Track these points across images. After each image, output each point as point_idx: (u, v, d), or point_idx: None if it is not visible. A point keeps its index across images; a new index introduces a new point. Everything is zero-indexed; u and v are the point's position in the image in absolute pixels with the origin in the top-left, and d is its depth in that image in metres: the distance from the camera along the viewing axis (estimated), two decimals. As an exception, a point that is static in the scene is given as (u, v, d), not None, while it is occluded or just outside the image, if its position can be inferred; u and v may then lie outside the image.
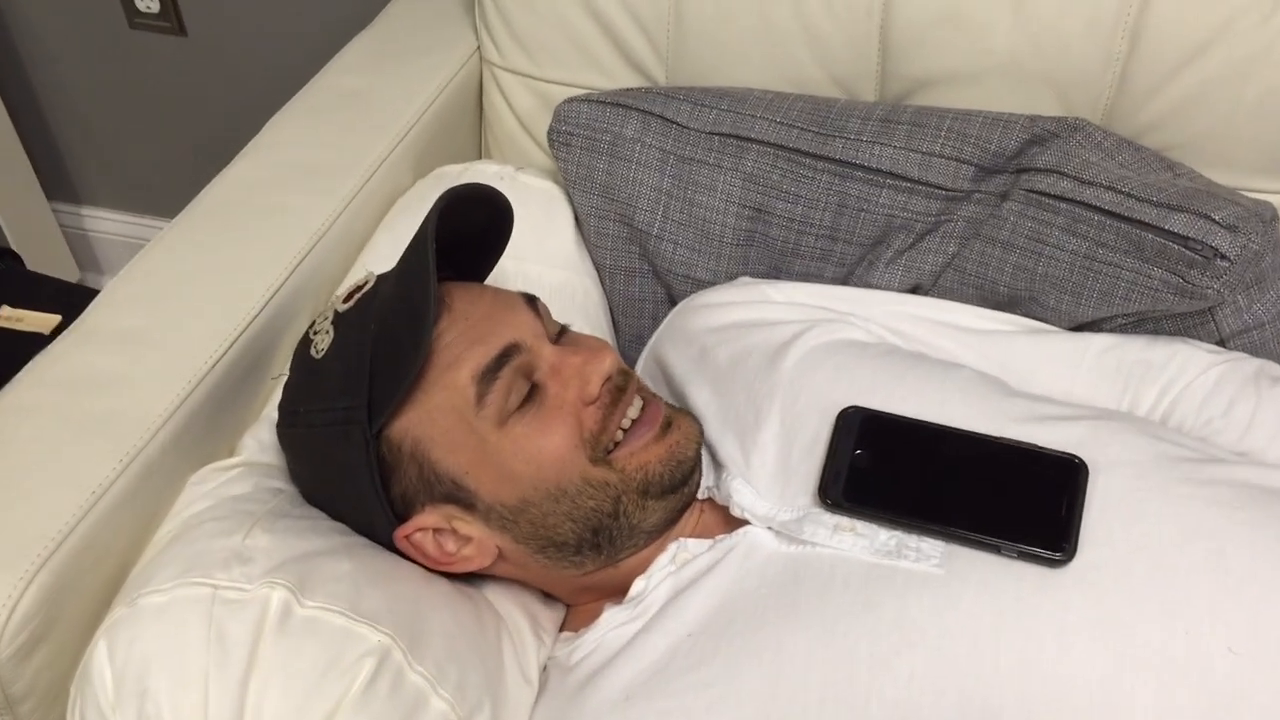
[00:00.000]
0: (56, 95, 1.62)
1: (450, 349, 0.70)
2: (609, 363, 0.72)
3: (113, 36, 1.52)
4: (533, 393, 0.71)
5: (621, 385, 0.73)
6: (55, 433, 0.72)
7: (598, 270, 0.95)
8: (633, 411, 0.73)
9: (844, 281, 0.92)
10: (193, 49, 1.49)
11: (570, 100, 0.94)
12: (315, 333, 0.75)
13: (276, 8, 1.41)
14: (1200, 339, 0.84)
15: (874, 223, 0.89)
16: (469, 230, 0.78)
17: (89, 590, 0.67)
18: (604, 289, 0.95)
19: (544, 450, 0.70)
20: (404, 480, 0.72)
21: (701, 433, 0.78)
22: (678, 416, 0.76)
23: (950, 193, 0.88)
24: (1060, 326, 0.87)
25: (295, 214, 0.89)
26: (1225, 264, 0.76)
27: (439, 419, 0.70)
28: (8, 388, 0.75)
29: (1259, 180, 0.90)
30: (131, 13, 1.49)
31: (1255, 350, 0.84)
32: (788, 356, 0.80)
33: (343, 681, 0.63)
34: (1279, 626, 0.63)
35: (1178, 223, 0.78)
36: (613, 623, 0.73)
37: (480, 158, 1.10)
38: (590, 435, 0.71)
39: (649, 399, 0.76)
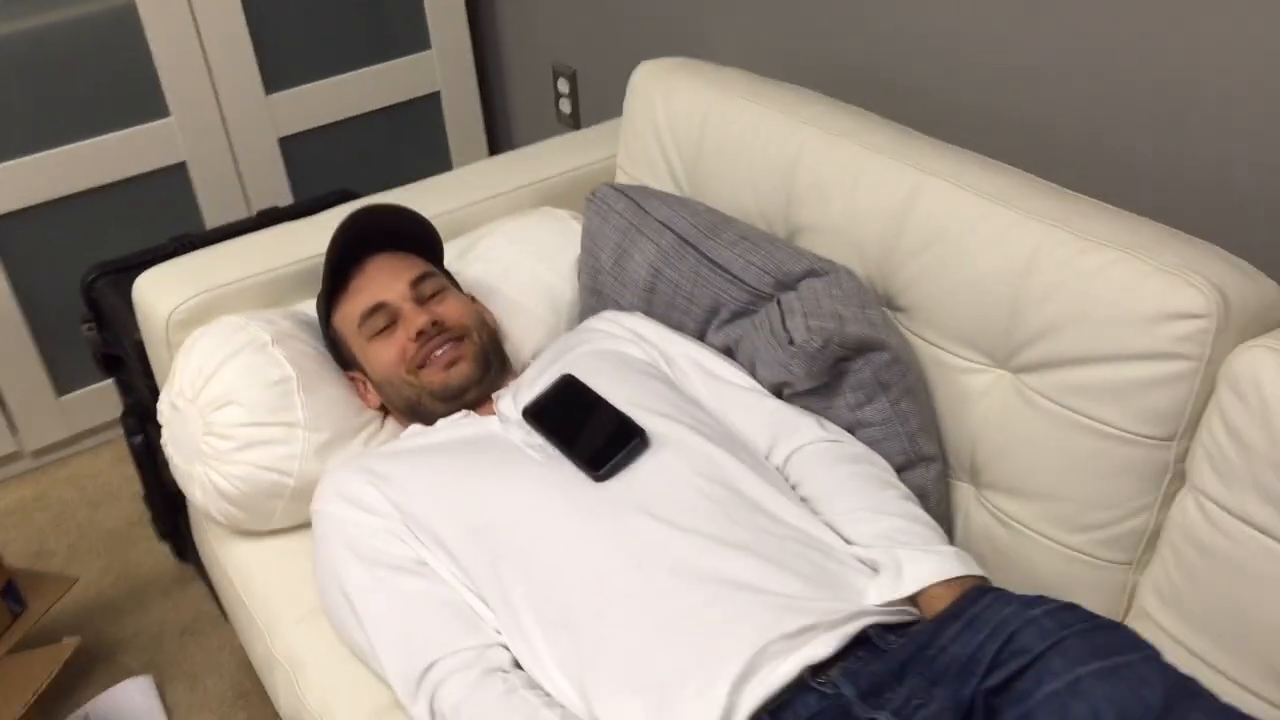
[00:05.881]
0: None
1: (356, 286, 1.33)
2: (422, 320, 1.27)
3: (548, 125, 2.38)
4: (389, 326, 1.31)
5: (433, 334, 1.28)
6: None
7: (579, 283, 1.52)
8: (440, 351, 1.29)
9: (700, 335, 1.39)
10: (574, 138, 2.29)
11: (606, 184, 1.53)
12: None
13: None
14: (836, 423, 1.20)
15: (712, 297, 1.35)
16: (403, 224, 1.39)
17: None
18: (579, 294, 1.52)
19: (383, 360, 1.31)
20: (344, 351, 1.37)
21: (478, 373, 1.30)
22: (465, 361, 1.29)
23: (755, 291, 1.31)
24: (766, 387, 1.26)
25: (448, 193, 1.60)
26: (794, 349, 1.14)
27: (347, 327, 1.34)
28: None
29: (955, 346, 1.20)
30: (559, 113, 2.34)
31: (871, 443, 1.19)
32: (577, 346, 1.33)
33: (266, 373, 1.31)
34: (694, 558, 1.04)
35: (798, 325, 1.17)
36: (412, 432, 1.32)
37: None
38: (408, 358, 1.30)
39: (454, 344, 1.29)
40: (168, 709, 1.71)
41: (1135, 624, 1.10)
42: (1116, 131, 1.27)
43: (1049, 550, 1.14)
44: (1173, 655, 1.05)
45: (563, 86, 2.28)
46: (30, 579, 1.56)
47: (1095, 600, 1.12)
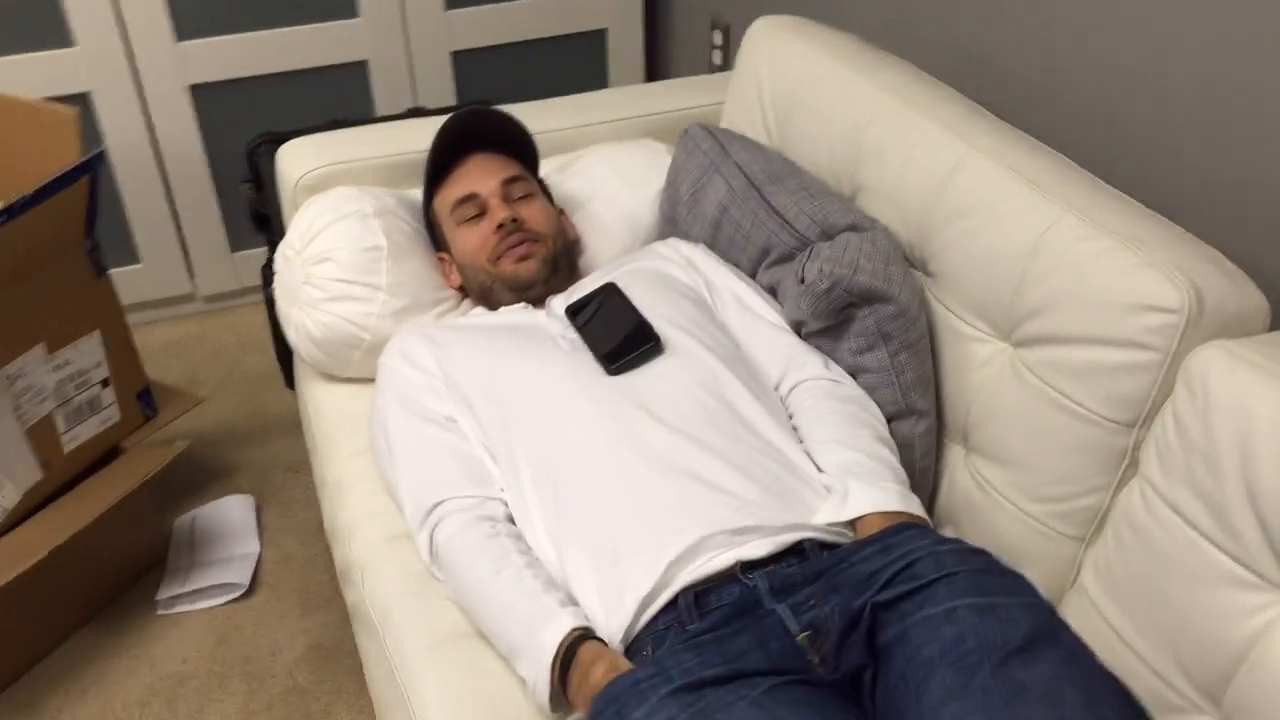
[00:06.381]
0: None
1: (456, 176, 1.50)
2: (504, 214, 1.45)
3: (704, 69, 2.50)
4: (477, 216, 1.48)
5: (512, 230, 1.45)
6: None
7: (659, 210, 1.65)
8: (516, 246, 1.45)
9: (752, 274, 1.50)
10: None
11: (699, 124, 1.64)
12: None
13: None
14: (839, 365, 1.30)
15: (765, 239, 1.46)
16: (507, 130, 1.55)
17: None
18: (657, 220, 1.65)
19: (468, 246, 1.49)
20: (438, 233, 1.54)
21: (544, 273, 1.46)
22: (534, 261, 1.45)
23: (801, 237, 1.41)
24: (789, 324, 1.36)
25: (563, 113, 1.77)
26: (804, 287, 1.24)
27: (443, 211, 1.52)
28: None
29: (969, 315, 1.27)
30: (711, 64, 2.45)
31: (867, 389, 1.28)
32: (632, 263, 1.46)
33: (363, 240, 1.50)
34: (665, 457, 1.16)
35: (813, 268, 1.26)
36: (476, 312, 1.49)
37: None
38: (488, 247, 1.46)
39: (530, 243, 1.45)
40: (261, 528, 1.96)
41: (1074, 598, 1.16)
42: (1171, 132, 1.30)
43: (1011, 515, 1.21)
44: (1097, 631, 1.11)
45: (717, 39, 2.39)
46: (165, 392, 1.82)
47: (1045, 569, 1.19)
